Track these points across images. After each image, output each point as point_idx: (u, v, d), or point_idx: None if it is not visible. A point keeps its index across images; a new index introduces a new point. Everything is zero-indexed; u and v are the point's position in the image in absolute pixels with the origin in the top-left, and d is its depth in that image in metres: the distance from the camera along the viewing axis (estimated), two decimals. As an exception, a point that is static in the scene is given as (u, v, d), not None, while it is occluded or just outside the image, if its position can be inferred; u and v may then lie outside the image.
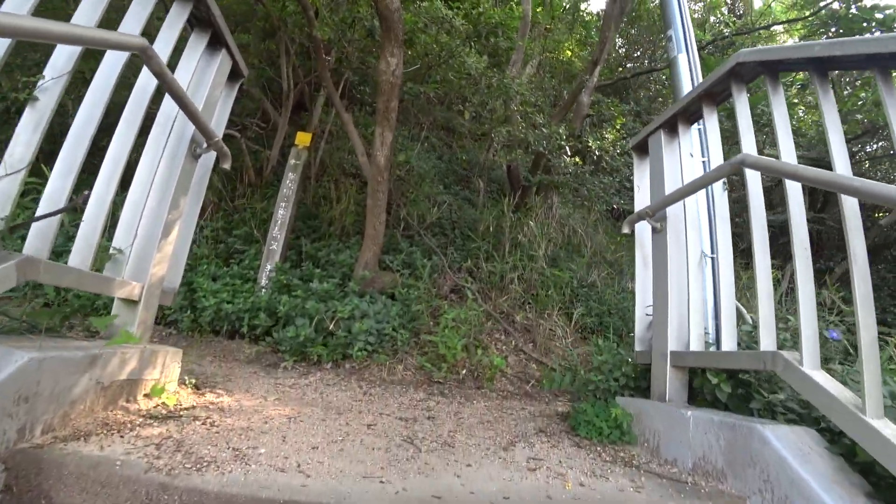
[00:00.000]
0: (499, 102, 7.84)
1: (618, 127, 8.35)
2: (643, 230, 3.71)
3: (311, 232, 6.44)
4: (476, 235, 6.94)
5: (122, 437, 2.23)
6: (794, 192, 2.48)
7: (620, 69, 13.09)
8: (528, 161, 7.20)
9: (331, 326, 4.70)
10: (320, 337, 4.69)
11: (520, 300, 6.19)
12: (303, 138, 5.94)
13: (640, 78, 12.92)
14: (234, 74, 3.58)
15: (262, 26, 6.52)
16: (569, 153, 7.22)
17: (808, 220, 2.57)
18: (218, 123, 3.52)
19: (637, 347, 3.55)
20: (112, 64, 2.55)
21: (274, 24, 6.86)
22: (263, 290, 5.32)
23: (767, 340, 2.46)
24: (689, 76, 4.65)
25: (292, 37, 7.12)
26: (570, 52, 9.27)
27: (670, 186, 3.34)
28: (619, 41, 13.20)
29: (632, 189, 8.80)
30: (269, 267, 5.57)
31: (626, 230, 3.63)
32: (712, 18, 13.01)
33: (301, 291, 5.00)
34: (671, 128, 3.50)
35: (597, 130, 8.31)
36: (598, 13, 13.14)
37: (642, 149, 3.81)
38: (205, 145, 3.11)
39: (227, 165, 3.41)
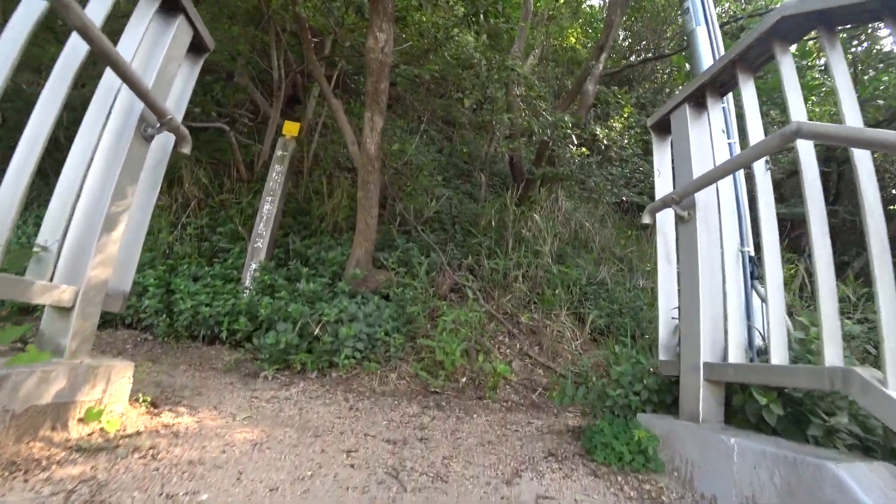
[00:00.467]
0: (500, 92, 7.34)
1: (625, 116, 7.83)
2: (666, 220, 3.20)
3: (301, 228, 5.95)
4: (477, 231, 6.44)
5: (25, 481, 1.75)
6: (866, 169, 1.97)
7: (623, 61, 12.55)
8: (532, 151, 6.68)
9: (316, 331, 4.21)
10: (305, 343, 4.21)
11: (524, 300, 5.69)
12: (290, 128, 5.46)
13: (644, 69, 12.36)
14: (197, 48, 3.09)
15: (245, 9, 6.02)
16: (575, 143, 6.71)
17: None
18: (178, 102, 3.04)
19: (661, 356, 3.05)
20: (24, 15, 2.06)
21: (261, 9, 6.37)
22: (247, 290, 4.84)
23: (833, 354, 1.95)
24: (709, 50, 4.13)
25: (283, 26, 6.63)
26: (573, 39, 8.75)
27: (699, 168, 2.84)
28: (621, 34, 12.65)
29: (642, 181, 8.32)
30: (253, 266, 5.09)
31: (646, 220, 3.12)
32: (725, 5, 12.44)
33: (285, 293, 4.51)
34: (698, 101, 2.99)
35: (601, 122, 7.77)
36: (600, 2, 12.59)
37: (663, 127, 3.31)
38: (157, 125, 2.62)
39: (186, 150, 2.93)
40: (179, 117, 3.00)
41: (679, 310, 2.90)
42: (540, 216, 6.28)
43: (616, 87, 8.57)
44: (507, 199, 6.60)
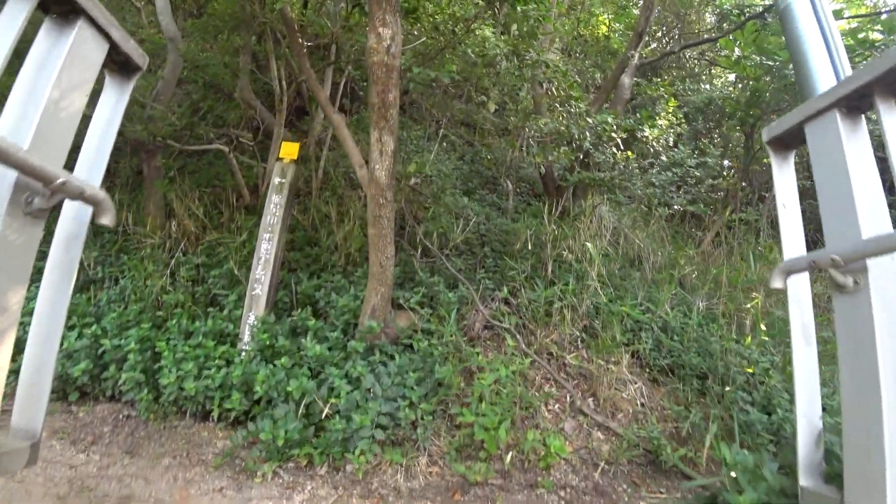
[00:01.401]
0: (525, 93, 6.28)
1: (669, 111, 6.71)
2: (801, 284, 2.16)
3: (309, 263, 5.01)
4: (511, 253, 5.43)
5: None
6: None
7: (648, 49, 11.28)
8: (573, 160, 5.62)
9: (325, 410, 3.27)
10: (311, 428, 3.28)
11: (571, 337, 4.67)
12: (289, 150, 4.50)
13: (669, 57, 11.10)
14: (120, 66, 2.12)
15: (239, 16, 5.07)
16: (620, 147, 5.63)
17: None
18: (97, 151, 2.07)
19: (803, 480, 2.02)
20: None
21: (255, 14, 5.41)
22: (244, 350, 3.93)
23: None
24: (815, 27, 3.04)
25: (281, 31, 5.68)
26: (605, 27, 7.62)
27: (865, 206, 1.80)
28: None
29: (694, 185, 7.14)
30: (251, 318, 4.17)
31: (777, 284, 2.08)
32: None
33: (285, 360, 3.59)
34: (855, 107, 1.93)
35: (643, 116, 6.64)
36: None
37: (789, 143, 2.25)
38: (47, 193, 1.67)
39: (107, 221, 1.96)
40: (99, 173, 2.03)
41: (844, 425, 1.88)
42: (585, 233, 5.23)
43: (658, 79, 7.45)
44: (542, 213, 5.57)
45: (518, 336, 4.36)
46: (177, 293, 4.65)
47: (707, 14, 10.96)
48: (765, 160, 7.00)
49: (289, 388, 3.29)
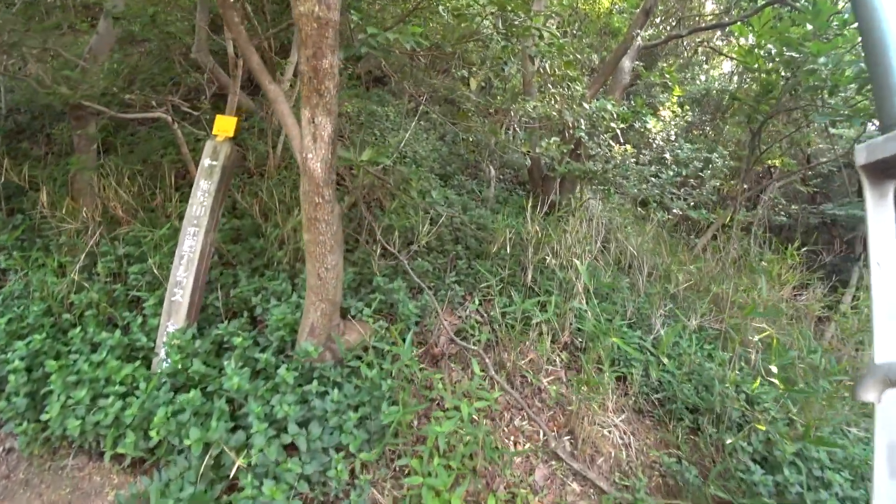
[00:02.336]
0: (514, 69, 5.39)
1: (673, 100, 5.85)
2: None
3: (251, 258, 4.16)
4: (487, 253, 4.62)
5: None
6: None
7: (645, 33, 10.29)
8: (564, 152, 4.76)
9: (238, 463, 2.48)
10: (218, 487, 2.50)
11: (551, 358, 3.91)
12: (223, 125, 3.61)
13: (666, 45, 10.14)
14: None
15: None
16: (620, 140, 4.78)
17: None
18: None
19: None
20: None
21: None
22: (155, 374, 3.11)
23: None
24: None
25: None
26: (608, 2, 6.68)
27: None
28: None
29: (696, 187, 6.27)
30: (170, 328, 3.34)
31: (867, 396, 1.30)
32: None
33: (193, 395, 2.76)
34: None
35: (638, 105, 5.77)
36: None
37: (889, 170, 1.43)
38: None
39: None
40: None
41: None
42: (572, 237, 4.41)
43: (664, 64, 6.56)
44: (525, 208, 4.73)
45: (487, 360, 3.57)
46: (91, 291, 3.79)
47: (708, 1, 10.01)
48: (769, 161, 6.19)
49: (188, 440, 2.48)
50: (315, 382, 3.00)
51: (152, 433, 2.59)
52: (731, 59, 8.18)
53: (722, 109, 8.80)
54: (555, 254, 4.39)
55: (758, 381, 3.50)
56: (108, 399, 2.92)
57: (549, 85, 4.99)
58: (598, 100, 4.42)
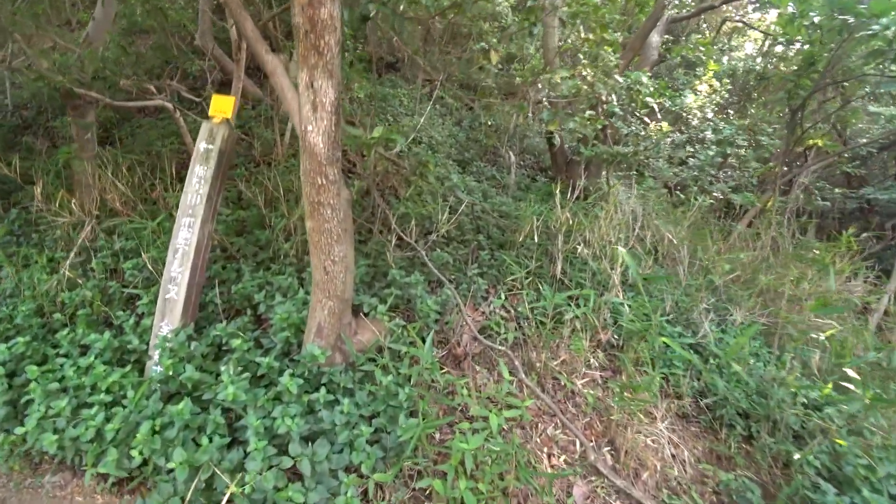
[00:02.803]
0: (536, 39, 4.90)
1: (710, 75, 5.29)
2: None
3: (256, 251, 3.75)
4: (511, 243, 4.16)
5: None
6: None
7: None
8: (599, 129, 4.26)
9: (230, 490, 2.08)
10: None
11: (586, 360, 3.45)
12: (220, 105, 3.19)
13: (688, 21, 9.50)
14: None
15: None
16: (658, 116, 4.27)
17: None
18: None
19: None
20: None
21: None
22: (144, 383, 2.72)
23: None
24: None
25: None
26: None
27: None
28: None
29: (736, 168, 5.64)
30: (164, 330, 2.95)
31: None
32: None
33: (182, 407, 2.36)
34: None
35: (661, 87, 5.23)
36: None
37: None
38: None
39: None
40: None
41: None
42: (605, 224, 3.92)
43: (699, 36, 6.00)
44: (549, 193, 4.26)
45: (516, 361, 3.12)
46: (84, 289, 3.42)
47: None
48: (811, 141, 5.61)
49: (172, 463, 2.08)
50: (323, 390, 2.58)
51: (134, 452, 2.19)
52: (764, 33, 7.56)
53: (748, 90, 8.19)
54: (587, 243, 3.91)
55: (828, 387, 3.00)
56: (91, 409, 2.53)
57: (580, 55, 4.48)
58: (631, 73, 3.91)
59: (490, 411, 2.57)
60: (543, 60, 5.49)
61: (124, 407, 2.56)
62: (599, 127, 3.96)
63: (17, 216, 4.23)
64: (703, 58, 5.32)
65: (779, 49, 7.50)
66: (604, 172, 5.42)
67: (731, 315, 3.98)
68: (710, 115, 4.78)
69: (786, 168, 5.66)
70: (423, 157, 4.00)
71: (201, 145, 3.11)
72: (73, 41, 4.34)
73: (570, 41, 4.55)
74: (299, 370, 2.70)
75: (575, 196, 4.31)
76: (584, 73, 3.77)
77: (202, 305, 3.30)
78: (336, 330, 2.73)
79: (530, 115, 5.22)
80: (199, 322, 3.23)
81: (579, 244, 3.90)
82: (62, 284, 3.52)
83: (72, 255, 3.51)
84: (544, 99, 3.70)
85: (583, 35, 3.84)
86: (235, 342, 2.75)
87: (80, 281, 3.55)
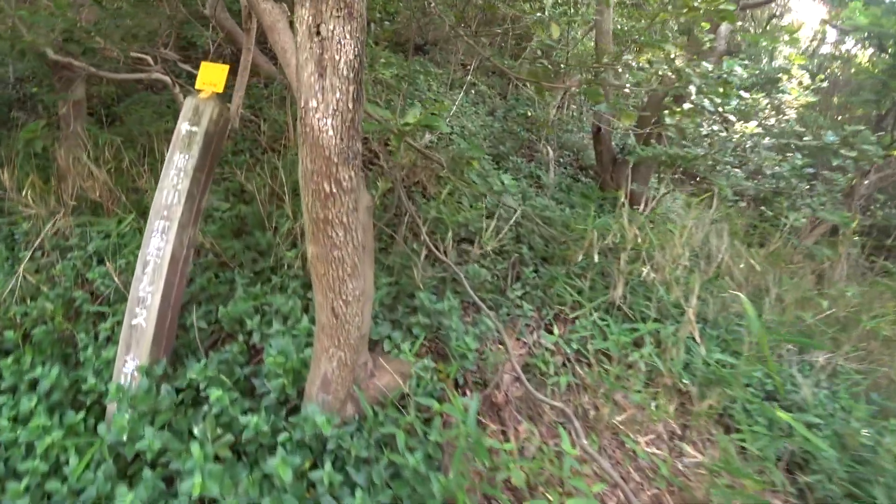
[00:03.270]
0: (579, 30, 4.03)
1: (795, 68, 4.36)
2: None
3: (254, 258, 2.95)
4: (558, 256, 3.34)
5: None
6: None
7: None
8: (695, 125, 3.38)
9: None
10: None
11: (653, 413, 2.64)
12: (210, 75, 2.40)
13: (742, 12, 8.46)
14: None
15: None
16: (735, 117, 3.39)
17: None
18: None
19: None
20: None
21: None
22: (93, 444, 1.97)
23: None
24: None
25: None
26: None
27: None
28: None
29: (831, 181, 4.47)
30: (128, 364, 2.19)
31: None
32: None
33: (144, 492, 1.59)
34: None
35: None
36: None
37: None
38: None
39: None
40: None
41: None
42: (678, 243, 3.06)
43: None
44: (592, 197, 3.43)
45: (577, 423, 2.31)
46: (44, 300, 2.66)
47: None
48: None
49: None
50: (328, 465, 1.81)
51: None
52: (842, 30, 6.54)
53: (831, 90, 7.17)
54: (653, 265, 3.06)
55: None
56: (20, 482, 1.79)
57: (636, 40, 3.59)
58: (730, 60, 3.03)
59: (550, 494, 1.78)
60: (595, 45, 4.62)
61: (64, 480, 1.81)
62: (697, 122, 3.09)
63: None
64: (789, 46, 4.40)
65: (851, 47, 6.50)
66: (654, 175, 4.56)
67: (814, 358, 3.13)
68: (793, 116, 3.88)
69: (866, 182, 4.75)
70: (466, 151, 3.16)
71: (182, 126, 2.32)
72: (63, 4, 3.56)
73: (627, 24, 3.66)
74: (297, 433, 1.92)
75: (628, 204, 3.46)
76: (662, 56, 2.89)
77: (183, 326, 2.54)
78: (347, 383, 1.95)
79: (564, 108, 4.36)
80: (178, 350, 2.47)
81: (644, 266, 3.05)
82: (22, 292, 2.77)
83: (27, 255, 2.75)
84: (627, 86, 2.83)
85: (649, 15, 2.93)
86: (214, 394, 1.97)
87: (43, 288, 2.80)
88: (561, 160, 5.43)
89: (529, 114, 5.17)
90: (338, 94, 1.29)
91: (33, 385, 2.28)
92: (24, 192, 3.15)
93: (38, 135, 3.30)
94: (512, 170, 4.54)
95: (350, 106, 1.32)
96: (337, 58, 1.24)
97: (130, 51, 3.61)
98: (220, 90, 2.43)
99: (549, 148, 5.07)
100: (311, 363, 1.98)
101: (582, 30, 5.04)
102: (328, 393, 1.96)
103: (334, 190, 1.39)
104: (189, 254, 2.36)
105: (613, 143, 4.96)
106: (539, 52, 5.56)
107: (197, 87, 2.41)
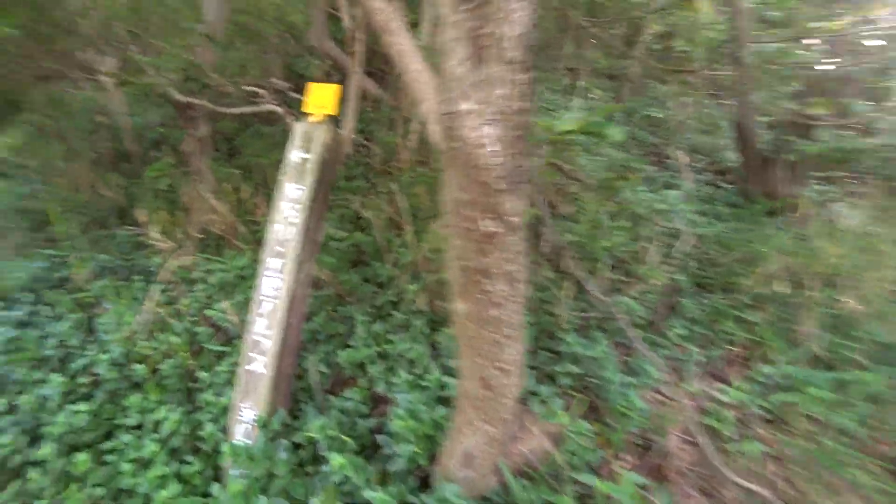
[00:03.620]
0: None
1: None
2: None
3: (373, 293, 2.64)
4: (720, 280, 2.67)
5: None
6: None
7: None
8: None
9: None
10: None
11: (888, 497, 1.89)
12: (320, 97, 2.12)
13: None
14: None
15: None
16: None
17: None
18: None
19: None
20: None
21: None
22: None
23: None
24: None
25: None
26: None
27: None
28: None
29: None
30: (244, 412, 1.93)
31: None
32: None
33: None
34: None
35: None
36: None
37: None
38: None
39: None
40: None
41: None
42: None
43: None
44: (748, 208, 2.70)
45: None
46: (171, 334, 2.55)
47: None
48: None
49: None
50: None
51: None
52: None
53: None
54: (859, 294, 2.30)
55: None
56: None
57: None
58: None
59: None
60: (731, 27, 3.86)
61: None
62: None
63: (127, 239, 3.56)
64: None
65: None
66: (810, 180, 3.68)
67: None
68: None
69: None
70: (618, 163, 2.63)
71: (293, 155, 2.05)
72: (180, 46, 3.61)
73: None
74: (431, 516, 1.52)
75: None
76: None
77: (298, 376, 2.26)
78: (494, 458, 1.51)
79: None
80: (295, 394, 2.20)
81: (841, 294, 2.29)
82: (152, 325, 2.70)
83: (158, 290, 2.66)
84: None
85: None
86: (336, 461, 1.63)
87: (171, 321, 2.71)
88: (694, 165, 4.65)
89: (655, 115, 4.48)
90: (502, 90, 0.87)
91: (156, 426, 2.13)
92: (154, 228, 3.14)
93: (165, 172, 3.31)
94: (646, 181, 3.88)
95: (519, 106, 0.90)
96: (502, 33, 0.82)
97: (242, 84, 3.55)
98: (333, 111, 2.14)
99: (680, 152, 4.34)
100: (451, 434, 1.57)
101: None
102: (470, 468, 1.53)
103: (496, 228, 0.96)
104: (306, 292, 2.09)
105: (758, 139, 4.12)
106: (653, 48, 4.85)
107: (305, 109, 2.15)
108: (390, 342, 2.27)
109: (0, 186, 4.43)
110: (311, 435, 1.84)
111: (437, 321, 2.46)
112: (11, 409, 2.34)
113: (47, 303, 2.97)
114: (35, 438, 2.25)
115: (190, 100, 3.44)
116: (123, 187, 3.97)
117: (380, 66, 4.82)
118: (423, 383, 2.04)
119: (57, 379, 2.37)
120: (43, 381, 2.43)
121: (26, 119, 4.31)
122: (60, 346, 2.71)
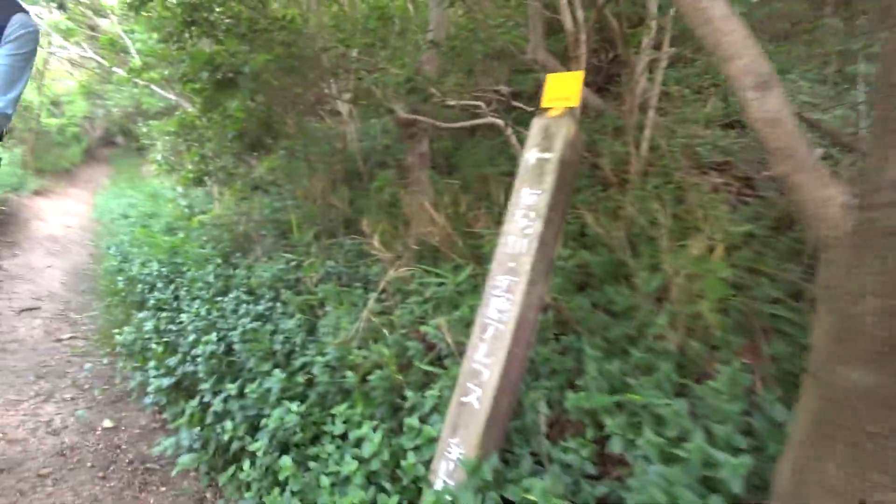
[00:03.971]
0: None
1: None
2: None
3: (607, 324, 2.13)
4: None
5: None
6: None
7: None
8: None
9: None
10: None
11: None
12: (561, 87, 1.75)
13: None
14: None
15: None
16: None
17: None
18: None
19: None
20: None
21: None
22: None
23: None
24: None
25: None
26: None
27: None
28: None
29: None
30: (452, 449, 1.63)
31: None
32: None
33: None
34: None
35: None
36: None
37: None
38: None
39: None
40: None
41: None
42: None
43: None
44: None
45: None
46: (382, 345, 2.46)
47: None
48: None
49: None
50: None
51: None
52: None
53: None
54: None
55: None
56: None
57: None
58: None
59: None
60: None
61: None
62: None
63: (351, 247, 3.74)
64: None
65: None
66: None
67: None
68: None
69: None
70: None
71: (531, 155, 1.72)
72: (405, 59, 3.72)
73: None
74: None
75: None
76: None
77: (504, 422, 1.88)
78: None
79: None
80: (509, 435, 1.83)
81: None
82: (366, 334, 2.66)
83: (371, 300, 2.61)
84: None
85: None
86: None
87: (384, 331, 2.64)
88: None
89: None
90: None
91: (358, 443, 1.98)
92: (376, 238, 3.18)
93: (387, 183, 3.35)
94: None
95: None
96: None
97: (463, 98, 3.44)
98: (575, 103, 1.76)
99: None
100: None
101: None
102: None
103: None
104: (536, 318, 1.72)
105: None
106: None
107: (543, 104, 1.80)
108: (628, 387, 1.76)
109: (262, 201, 5.23)
110: (532, 498, 1.43)
111: (689, 363, 1.86)
112: (241, 395, 2.49)
113: (283, 301, 3.20)
114: (255, 428, 2.34)
115: (413, 116, 3.48)
116: (351, 200, 4.26)
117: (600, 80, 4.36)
118: (681, 452, 1.48)
119: (279, 374, 2.46)
120: (268, 374, 2.54)
121: (282, 145, 4.99)
122: (287, 342, 2.85)
